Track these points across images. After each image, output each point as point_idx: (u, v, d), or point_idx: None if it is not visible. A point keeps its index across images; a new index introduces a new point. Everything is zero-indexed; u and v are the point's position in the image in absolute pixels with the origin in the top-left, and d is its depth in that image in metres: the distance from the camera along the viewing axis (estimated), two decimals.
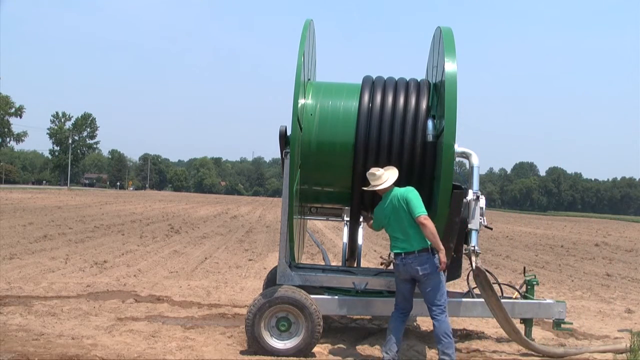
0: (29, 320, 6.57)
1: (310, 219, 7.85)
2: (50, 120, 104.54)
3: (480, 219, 5.99)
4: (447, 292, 6.41)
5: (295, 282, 5.94)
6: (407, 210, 5.34)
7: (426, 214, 5.30)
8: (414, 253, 5.30)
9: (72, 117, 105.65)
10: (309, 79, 6.58)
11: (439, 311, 5.32)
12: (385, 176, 5.55)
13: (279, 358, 5.52)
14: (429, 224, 5.25)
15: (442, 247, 5.30)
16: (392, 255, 5.60)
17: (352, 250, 7.22)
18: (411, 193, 5.42)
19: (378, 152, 5.98)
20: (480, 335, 6.96)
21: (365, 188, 5.66)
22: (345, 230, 7.37)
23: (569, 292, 10.83)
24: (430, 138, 5.93)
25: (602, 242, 26.03)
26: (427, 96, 6.21)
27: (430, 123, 5.98)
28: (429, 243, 5.29)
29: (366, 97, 6.17)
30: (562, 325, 6.43)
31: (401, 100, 6.13)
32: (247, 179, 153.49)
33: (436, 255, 5.30)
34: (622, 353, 6.19)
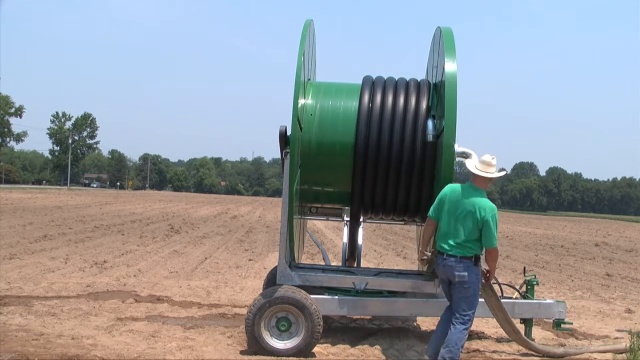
0: (29, 320, 6.57)
1: (310, 219, 7.86)
2: (50, 120, 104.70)
3: None
4: None
5: (295, 282, 5.94)
6: (479, 227, 5.14)
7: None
8: (457, 257, 5.17)
9: (72, 117, 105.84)
10: (309, 79, 6.58)
11: (461, 320, 5.19)
12: (496, 170, 5.39)
13: (279, 358, 5.53)
14: (497, 254, 5.37)
15: (494, 273, 5.46)
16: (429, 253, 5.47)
17: (352, 250, 7.22)
18: (494, 218, 5.19)
19: (378, 152, 5.99)
20: (480, 335, 6.97)
21: (478, 172, 5.30)
22: (345, 230, 7.38)
23: (569, 292, 10.83)
24: (430, 138, 5.93)
25: (602, 242, 26.04)
26: (427, 96, 6.21)
27: (430, 123, 5.99)
28: (475, 253, 5.19)
29: (366, 97, 6.18)
30: (562, 325, 6.43)
31: (401, 100, 6.14)
32: (247, 179, 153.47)
33: (477, 266, 5.22)
34: (622, 353, 6.19)
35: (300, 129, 6.08)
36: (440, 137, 5.71)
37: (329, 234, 21.56)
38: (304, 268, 6.59)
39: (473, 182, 5.40)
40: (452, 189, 5.36)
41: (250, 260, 13.10)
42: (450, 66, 5.67)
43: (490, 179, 5.41)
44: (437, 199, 5.42)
